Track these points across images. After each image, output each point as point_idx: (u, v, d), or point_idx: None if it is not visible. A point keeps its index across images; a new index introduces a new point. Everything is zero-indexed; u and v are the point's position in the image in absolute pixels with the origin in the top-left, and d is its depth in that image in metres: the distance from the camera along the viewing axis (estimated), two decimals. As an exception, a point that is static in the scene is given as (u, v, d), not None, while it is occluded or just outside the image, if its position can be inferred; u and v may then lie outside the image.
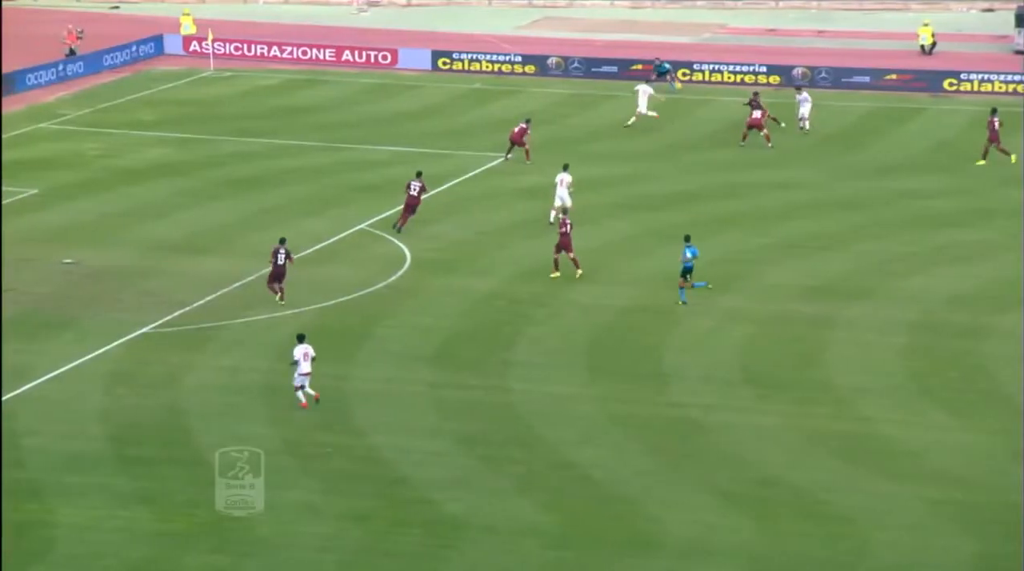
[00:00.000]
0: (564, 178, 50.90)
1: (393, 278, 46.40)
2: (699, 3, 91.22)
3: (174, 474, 34.03)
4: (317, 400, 37.53)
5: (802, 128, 62.06)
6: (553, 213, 50.47)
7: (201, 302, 43.97)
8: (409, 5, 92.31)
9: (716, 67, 72.57)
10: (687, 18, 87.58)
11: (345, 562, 31.03)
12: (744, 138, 60.74)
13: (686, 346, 41.38)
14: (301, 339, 37.69)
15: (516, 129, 59.04)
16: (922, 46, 77.82)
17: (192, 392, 38.31)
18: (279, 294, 43.63)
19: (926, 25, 78.66)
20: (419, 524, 32.38)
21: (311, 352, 37.49)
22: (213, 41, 75.30)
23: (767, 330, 42.49)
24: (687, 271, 43.95)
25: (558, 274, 45.97)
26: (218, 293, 44.60)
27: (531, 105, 68.67)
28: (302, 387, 37.40)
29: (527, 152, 58.63)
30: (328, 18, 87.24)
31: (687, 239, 44.33)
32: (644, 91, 64.11)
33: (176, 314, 43.10)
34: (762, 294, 45.12)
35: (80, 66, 72.51)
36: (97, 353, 40.34)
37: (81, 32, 75.01)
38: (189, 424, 36.54)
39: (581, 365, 40.28)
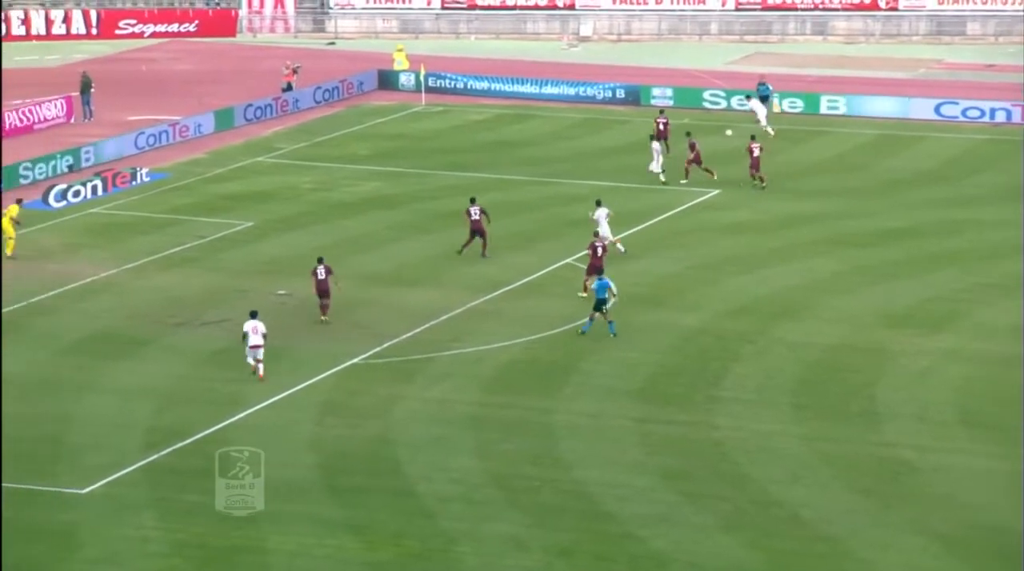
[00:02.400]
0: (604, 212, 51.15)
1: (599, 313, 46.39)
2: (915, 38, 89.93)
3: (382, 504, 34.48)
4: (260, 379, 40.12)
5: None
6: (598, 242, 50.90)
7: (410, 334, 44.53)
8: (619, 40, 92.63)
9: (929, 103, 71.55)
10: (902, 53, 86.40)
11: (550, 595, 31.12)
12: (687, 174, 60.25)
13: (898, 385, 40.73)
14: (253, 315, 40.92)
15: (661, 125, 62.34)
16: None
17: (400, 423, 38.80)
18: (324, 310, 44.59)
19: None
20: (623, 560, 32.33)
21: (261, 328, 40.64)
22: (425, 76, 76.41)
23: (983, 371, 41.63)
24: (600, 303, 43.64)
25: (586, 295, 46.36)
26: (427, 325, 45.13)
27: (740, 141, 68.33)
28: (257, 360, 40.49)
29: (667, 146, 61.88)
30: (538, 53, 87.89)
31: (600, 273, 44.26)
32: (759, 106, 67.06)
33: (385, 345, 43.73)
34: (978, 334, 44.22)
35: (296, 101, 74.11)
36: (309, 383, 41.09)
37: (298, 68, 76.65)
38: (397, 455, 37.01)
39: (789, 403, 39.90)
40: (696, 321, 45.61)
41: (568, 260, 51.30)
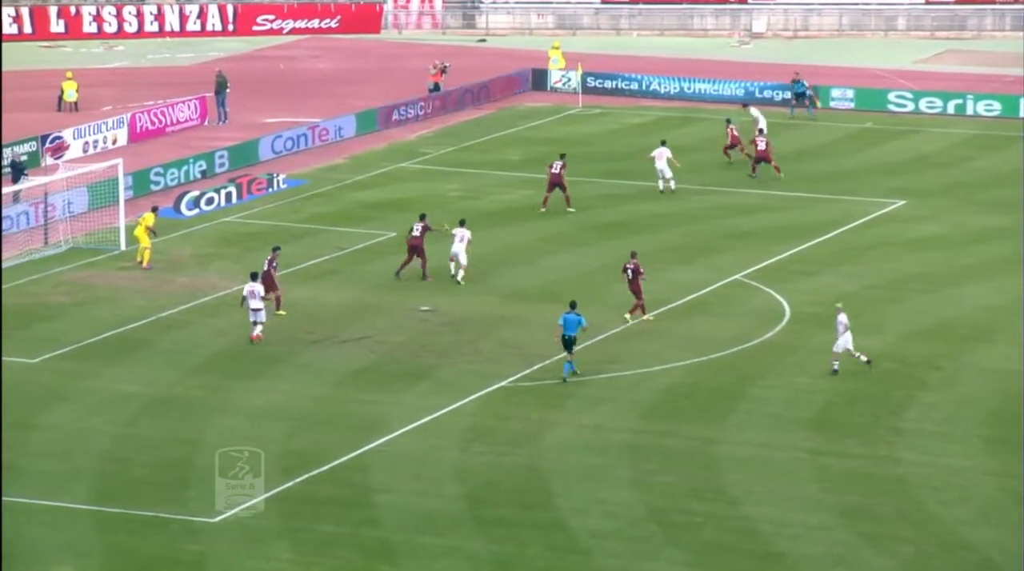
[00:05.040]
0: (463, 233, 50.48)
1: (770, 334, 46.14)
2: None
3: (532, 538, 34.48)
4: (258, 340, 44.59)
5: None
6: (453, 266, 50.53)
7: (562, 355, 44.50)
8: (795, 37, 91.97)
9: None
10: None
11: (713, 642, 30.92)
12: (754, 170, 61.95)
13: (1103, 418, 39.90)
14: (254, 277, 44.89)
15: (735, 132, 63.83)
16: None
17: (552, 451, 38.81)
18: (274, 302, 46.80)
19: None
20: (795, 605, 32.06)
21: (259, 290, 44.58)
22: (582, 76, 76.51)
23: None
24: (569, 342, 42.51)
25: (650, 318, 46.52)
26: (581, 345, 45.07)
27: (929, 146, 67.57)
28: (255, 323, 44.51)
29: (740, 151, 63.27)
30: (706, 51, 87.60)
31: (572, 306, 43.09)
32: (760, 118, 65.63)
33: (536, 367, 43.78)
34: None
35: (443, 102, 74.57)
36: (453, 407, 41.27)
37: (446, 67, 77.12)
38: (549, 485, 37.01)
39: (980, 435, 39.27)
40: (877, 344, 45.06)
41: (736, 276, 51.01)
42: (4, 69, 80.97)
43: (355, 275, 51.60)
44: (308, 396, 41.97)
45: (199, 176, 62.66)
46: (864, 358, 42.66)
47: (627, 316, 46.66)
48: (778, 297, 49.10)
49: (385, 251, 53.97)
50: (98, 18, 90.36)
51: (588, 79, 77.10)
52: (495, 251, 54.00)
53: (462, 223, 51.22)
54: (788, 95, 74.61)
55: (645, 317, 46.74)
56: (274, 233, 55.94)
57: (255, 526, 34.92)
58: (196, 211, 58.46)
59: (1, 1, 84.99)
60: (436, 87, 76.08)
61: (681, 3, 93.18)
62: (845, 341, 42.66)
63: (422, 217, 51.47)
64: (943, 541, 34.34)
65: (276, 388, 42.50)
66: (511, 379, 42.91)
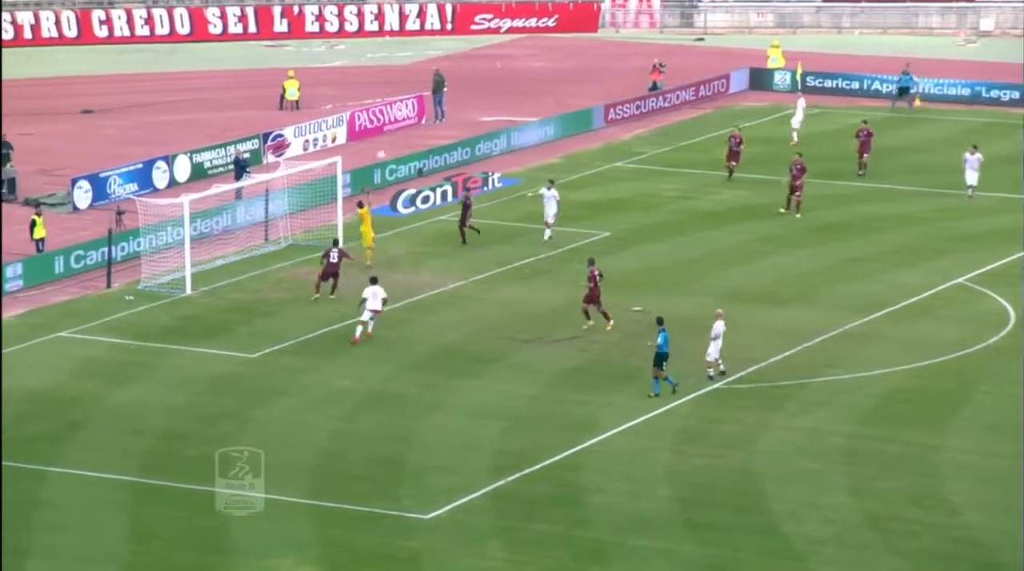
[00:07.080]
0: (553, 194, 53.90)
1: (995, 339, 45.24)
2: None
3: (746, 543, 34.20)
4: (369, 337, 44.75)
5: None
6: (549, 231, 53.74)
7: (778, 357, 44.11)
8: None
9: None
10: None
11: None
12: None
13: None
14: (373, 281, 45.31)
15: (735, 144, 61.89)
16: None
17: (767, 455, 38.46)
18: (330, 290, 48.36)
19: None
20: (1017, 618, 31.36)
21: (382, 293, 44.88)
22: (802, 75, 75.72)
23: None
24: (661, 358, 41.13)
25: (591, 324, 45.40)
26: (797, 348, 44.64)
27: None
28: (366, 323, 44.59)
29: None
30: (931, 49, 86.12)
31: (659, 322, 41.66)
32: (800, 106, 66.26)
33: (751, 369, 43.43)
34: None
35: (661, 101, 74.34)
36: (666, 408, 41.09)
37: (664, 66, 76.88)
38: (763, 489, 36.69)
39: None
40: (1106, 351, 43.96)
41: (959, 279, 50.12)
42: (230, 68, 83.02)
43: (568, 274, 51.62)
44: (521, 395, 42.11)
45: (415, 174, 63.23)
46: (721, 368, 42.18)
47: (609, 324, 45.75)
48: (1002, 301, 48.10)
49: (598, 250, 53.91)
50: (320, 18, 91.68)
51: (808, 78, 76.26)
52: (711, 252, 53.70)
53: (551, 184, 54.20)
54: (1016, 95, 73.13)
55: (608, 325, 45.89)
56: (489, 231, 56.19)
57: (469, 524, 35.14)
58: (412, 209, 59.00)
59: (1, 6, 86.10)
60: (655, 86, 75.88)
61: (905, 1, 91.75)
62: (716, 349, 41.83)
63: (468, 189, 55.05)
64: None
65: (490, 387, 42.72)
66: (726, 381, 42.60)
